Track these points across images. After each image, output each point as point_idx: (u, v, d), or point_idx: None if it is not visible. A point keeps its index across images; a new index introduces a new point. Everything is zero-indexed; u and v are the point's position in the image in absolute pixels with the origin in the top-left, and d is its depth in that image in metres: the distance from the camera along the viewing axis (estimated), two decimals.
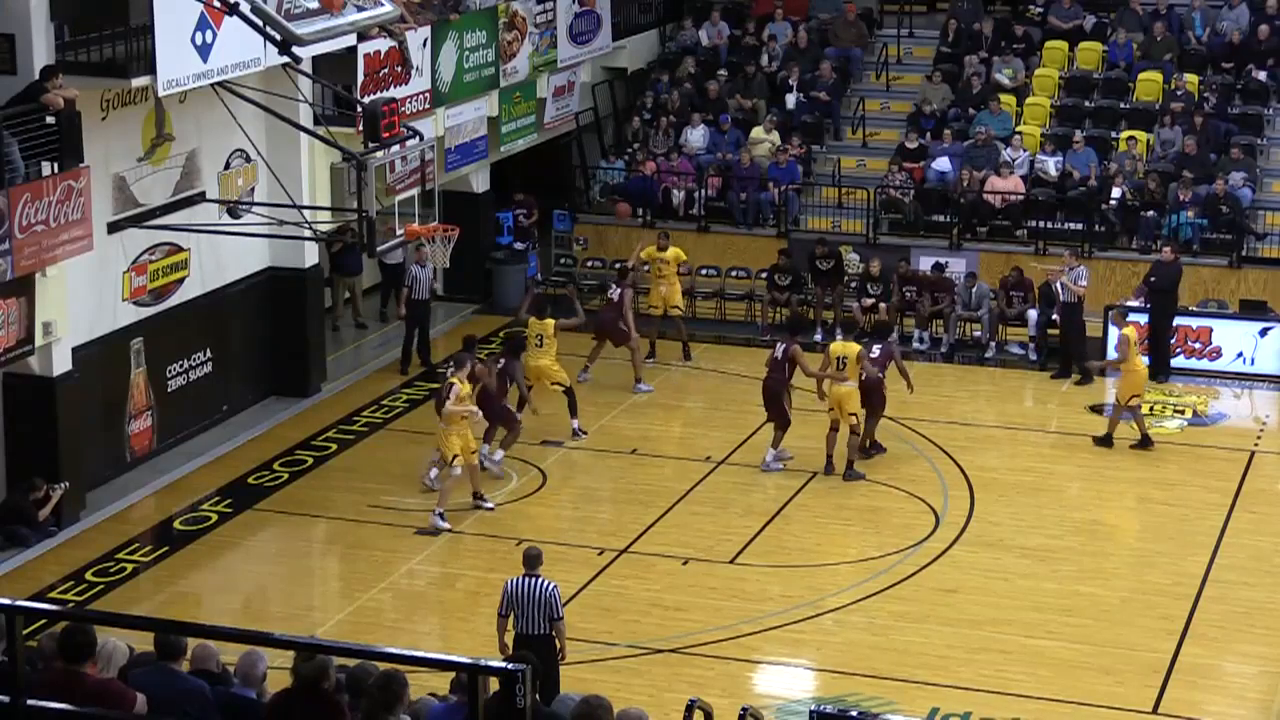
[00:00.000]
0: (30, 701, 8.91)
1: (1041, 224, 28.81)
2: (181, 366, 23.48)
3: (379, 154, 20.84)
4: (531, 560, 16.07)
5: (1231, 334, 26.25)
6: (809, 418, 22.91)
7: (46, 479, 20.58)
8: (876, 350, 22.90)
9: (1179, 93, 30.10)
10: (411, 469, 22.54)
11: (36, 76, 19.72)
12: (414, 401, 25.16)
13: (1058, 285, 26.25)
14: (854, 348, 22.75)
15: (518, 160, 30.10)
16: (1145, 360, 24.46)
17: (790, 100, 31.38)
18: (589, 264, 30.16)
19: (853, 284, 28.11)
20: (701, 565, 20.24)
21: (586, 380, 25.23)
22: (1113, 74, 31.18)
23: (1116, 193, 28.55)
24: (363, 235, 20.74)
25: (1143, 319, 25.84)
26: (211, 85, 21.07)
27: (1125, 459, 23.05)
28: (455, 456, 20.93)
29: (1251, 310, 26.82)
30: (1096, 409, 24.95)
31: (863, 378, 22.39)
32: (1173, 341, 26.12)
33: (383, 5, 20.54)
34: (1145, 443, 23.36)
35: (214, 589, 20.36)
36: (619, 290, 25.40)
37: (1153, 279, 26.09)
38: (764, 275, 28.55)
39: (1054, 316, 26.48)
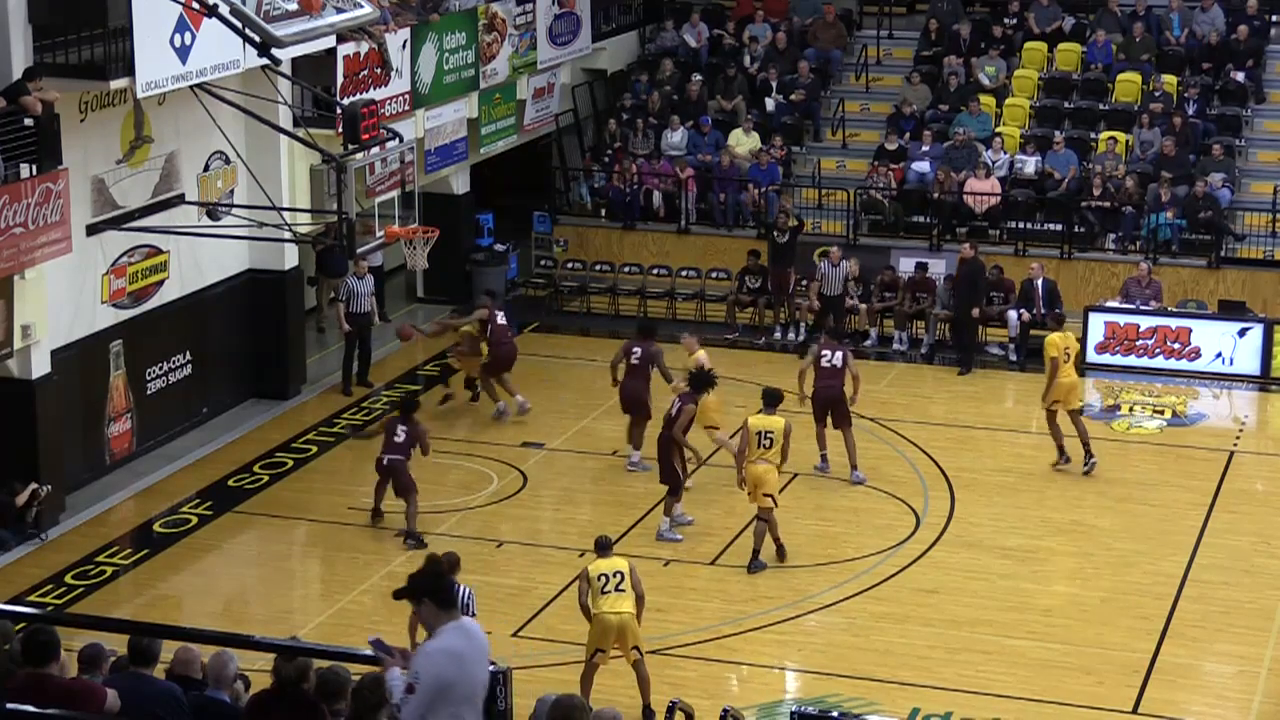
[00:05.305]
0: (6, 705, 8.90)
1: (1021, 225, 28.86)
2: (161, 369, 23.44)
3: (358, 156, 20.85)
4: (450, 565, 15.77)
5: (1210, 334, 26.29)
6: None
7: (24, 481, 20.52)
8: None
9: (1158, 94, 30.15)
10: None
11: (15, 77, 19.68)
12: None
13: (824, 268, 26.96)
14: None
15: (497, 162, 30.08)
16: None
17: (770, 102, 31.38)
18: (569, 265, 30.15)
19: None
20: (682, 566, 20.24)
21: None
22: (1091, 75, 31.22)
23: (1096, 190, 28.62)
24: (343, 237, 20.73)
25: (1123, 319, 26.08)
26: (190, 87, 21.04)
27: (1105, 460, 23.06)
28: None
29: (1230, 311, 26.88)
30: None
31: None
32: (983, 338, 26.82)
33: (362, 6, 20.53)
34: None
35: (194, 592, 20.33)
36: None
37: (951, 274, 26.93)
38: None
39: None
